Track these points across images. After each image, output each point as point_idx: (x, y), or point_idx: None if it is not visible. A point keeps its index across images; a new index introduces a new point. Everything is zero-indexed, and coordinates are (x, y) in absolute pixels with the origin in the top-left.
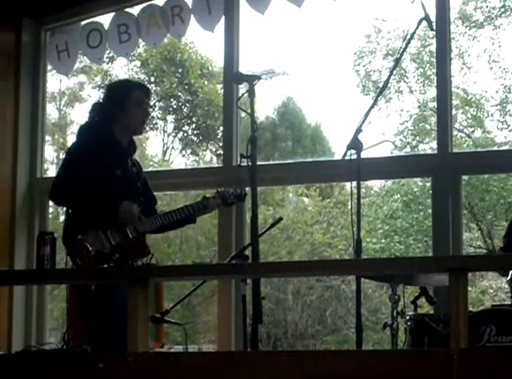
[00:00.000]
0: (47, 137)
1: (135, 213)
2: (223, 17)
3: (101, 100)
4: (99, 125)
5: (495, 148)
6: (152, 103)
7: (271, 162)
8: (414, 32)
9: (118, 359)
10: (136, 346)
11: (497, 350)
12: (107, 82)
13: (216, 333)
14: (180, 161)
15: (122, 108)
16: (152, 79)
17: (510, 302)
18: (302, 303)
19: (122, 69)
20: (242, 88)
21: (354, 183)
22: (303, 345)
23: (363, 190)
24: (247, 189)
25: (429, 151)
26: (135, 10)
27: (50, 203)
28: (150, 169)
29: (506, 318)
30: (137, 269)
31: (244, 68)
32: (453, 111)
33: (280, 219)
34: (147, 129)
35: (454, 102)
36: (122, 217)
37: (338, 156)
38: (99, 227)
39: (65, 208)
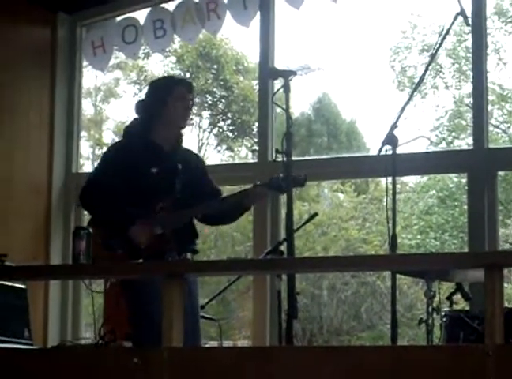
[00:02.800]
0: (83, 133)
1: (143, 239)
2: (258, 13)
3: (144, 98)
4: (140, 124)
5: None
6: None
7: (306, 157)
8: (450, 28)
9: (154, 355)
10: (171, 341)
11: None
12: (142, 78)
13: (251, 329)
14: (215, 157)
15: (164, 103)
16: (188, 75)
17: None
18: (337, 299)
19: (157, 64)
20: (278, 84)
21: (389, 179)
22: (338, 341)
23: (398, 186)
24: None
25: (465, 147)
26: (170, 6)
27: None
28: None
29: None
30: (172, 264)
31: (279, 64)
32: (489, 107)
33: (316, 214)
34: (191, 123)
35: (490, 97)
36: (133, 239)
37: (373, 152)
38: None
39: None
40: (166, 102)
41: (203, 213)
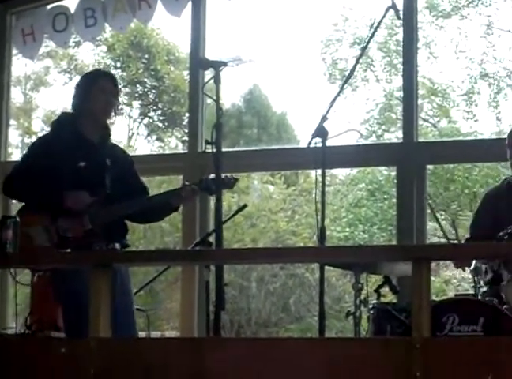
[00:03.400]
0: (12, 121)
1: (82, 201)
2: (190, 3)
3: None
4: (67, 117)
5: (461, 138)
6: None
7: (236, 149)
8: (381, 21)
9: (81, 345)
10: (98, 331)
11: (459, 340)
12: (72, 67)
13: (179, 320)
14: (145, 147)
15: (89, 96)
16: (118, 64)
17: (473, 292)
18: (265, 291)
19: (88, 53)
20: (209, 75)
21: (319, 171)
22: (266, 333)
23: (328, 178)
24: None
25: (394, 141)
26: None
27: None
28: None
29: (469, 308)
30: (100, 254)
31: (210, 54)
32: (419, 101)
33: (245, 206)
34: (114, 117)
35: (420, 91)
36: (69, 204)
37: (303, 144)
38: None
39: None
40: (90, 95)
41: (132, 210)
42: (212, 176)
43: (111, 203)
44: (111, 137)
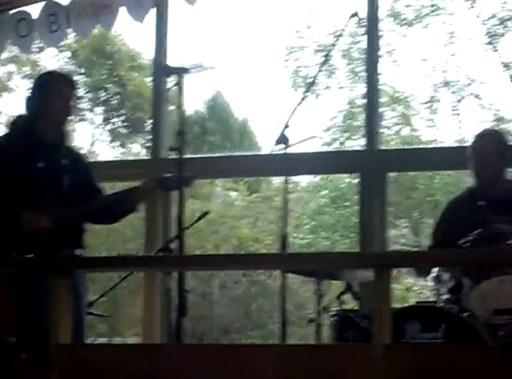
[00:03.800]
0: None
1: (39, 224)
2: (153, 9)
3: (29, 93)
4: (23, 120)
5: (422, 146)
6: (80, 94)
7: (199, 155)
8: (344, 29)
9: (42, 351)
10: (58, 337)
11: (420, 347)
12: (36, 72)
13: (140, 326)
14: (108, 153)
15: (46, 99)
16: (82, 70)
17: (434, 300)
18: (227, 297)
19: (51, 59)
20: (172, 81)
21: (281, 178)
22: (228, 339)
23: (290, 185)
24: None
25: (357, 148)
26: (65, 0)
27: None
28: None
29: (430, 315)
30: (60, 260)
31: (174, 61)
32: (382, 109)
33: (207, 212)
34: (72, 121)
35: (383, 99)
36: (26, 225)
37: (266, 151)
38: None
39: None
40: (47, 97)
41: (90, 211)
42: (169, 174)
43: (69, 204)
44: (67, 140)
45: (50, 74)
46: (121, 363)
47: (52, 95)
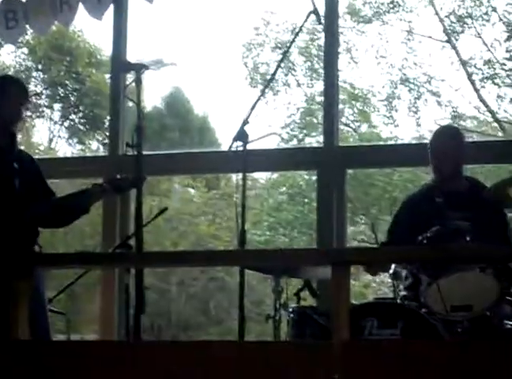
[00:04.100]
0: None
1: None
2: (112, 5)
3: None
4: None
5: (381, 143)
6: (39, 91)
7: (157, 152)
8: (302, 26)
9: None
10: (17, 333)
11: (378, 343)
12: None
13: (98, 323)
14: (66, 150)
15: None
16: (40, 66)
17: (392, 296)
18: (185, 294)
19: (9, 55)
20: (130, 78)
21: (240, 175)
22: (187, 336)
23: (249, 182)
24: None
25: (315, 145)
26: None
27: None
28: (35, 157)
29: (388, 311)
30: (19, 257)
31: (132, 57)
32: (340, 106)
33: (165, 209)
34: (28, 120)
35: (341, 96)
36: None
37: (225, 148)
38: None
39: None
40: None
41: (42, 213)
42: (119, 176)
43: (21, 207)
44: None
45: (3, 78)
46: (79, 360)
47: (4, 102)
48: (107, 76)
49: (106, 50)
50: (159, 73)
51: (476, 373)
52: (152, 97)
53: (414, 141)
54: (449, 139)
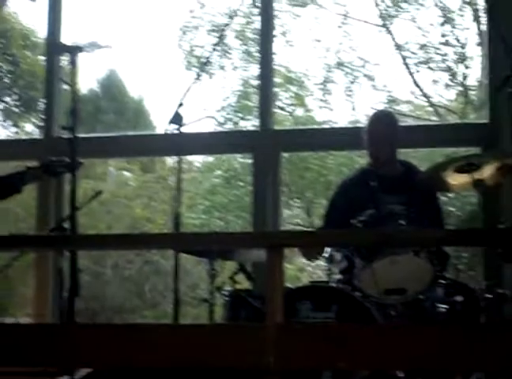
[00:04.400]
0: None
1: None
2: None
3: None
4: None
5: (316, 127)
6: None
7: (93, 134)
8: (238, 9)
9: None
10: None
11: (312, 326)
12: None
13: (32, 306)
14: (1, 132)
15: None
16: None
17: (327, 280)
18: (120, 277)
19: None
20: (65, 60)
21: (175, 158)
22: (122, 319)
23: (184, 165)
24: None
25: (251, 128)
26: None
27: None
28: None
29: (322, 295)
30: None
31: (67, 39)
32: (275, 89)
33: (100, 192)
34: None
35: (277, 80)
36: None
37: (160, 131)
38: None
39: None
40: None
41: None
42: (54, 158)
43: None
44: None
45: None
46: (12, 343)
47: None
48: (42, 58)
49: (41, 33)
50: (94, 55)
51: (409, 356)
52: (88, 80)
53: (349, 125)
54: (384, 124)
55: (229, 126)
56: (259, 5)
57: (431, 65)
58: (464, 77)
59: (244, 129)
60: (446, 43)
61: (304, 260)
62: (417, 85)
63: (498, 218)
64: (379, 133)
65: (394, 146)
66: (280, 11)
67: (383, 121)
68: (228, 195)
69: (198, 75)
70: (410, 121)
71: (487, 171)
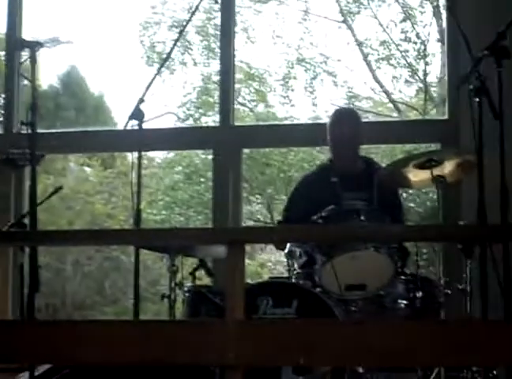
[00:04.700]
0: None
1: None
2: None
3: None
4: None
5: (277, 123)
6: None
7: (53, 130)
8: (199, 4)
9: None
10: None
11: (272, 322)
12: None
13: None
14: None
15: None
16: None
17: (287, 275)
18: (81, 273)
19: None
20: (25, 56)
21: (136, 154)
22: (82, 315)
23: (144, 161)
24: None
25: (212, 124)
26: None
27: None
28: None
29: (283, 291)
30: None
31: (27, 35)
32: (237, 85)
33: (60, 188)
34: None
35: (238, 76)
36: None
37: (121, 127)
38: None
39: None
40: None
41: None
42: (15, 151)
43: None
44: None
45: None
46: None
47: None
48: (2, 53)
49: (0, 28)
50: (54, 51)
51: (369, 352)
52: (48, 75)
53: (310, 121)
54: (348, 127)
55: (190, 122)
56: (220, 0)
57: (392, 61)
58: (425, 74)
59: (205, 125)
60: (407, 40)
61: (265, 256)
62: (378, 81)
63: (458, 214)
64: (339, 130)
65: (356, 143)
66: (241, 7)
67: (346, 122)
68: (189, 191)
69: (159, 71)
70: (370, 118)
71: (448, 167)
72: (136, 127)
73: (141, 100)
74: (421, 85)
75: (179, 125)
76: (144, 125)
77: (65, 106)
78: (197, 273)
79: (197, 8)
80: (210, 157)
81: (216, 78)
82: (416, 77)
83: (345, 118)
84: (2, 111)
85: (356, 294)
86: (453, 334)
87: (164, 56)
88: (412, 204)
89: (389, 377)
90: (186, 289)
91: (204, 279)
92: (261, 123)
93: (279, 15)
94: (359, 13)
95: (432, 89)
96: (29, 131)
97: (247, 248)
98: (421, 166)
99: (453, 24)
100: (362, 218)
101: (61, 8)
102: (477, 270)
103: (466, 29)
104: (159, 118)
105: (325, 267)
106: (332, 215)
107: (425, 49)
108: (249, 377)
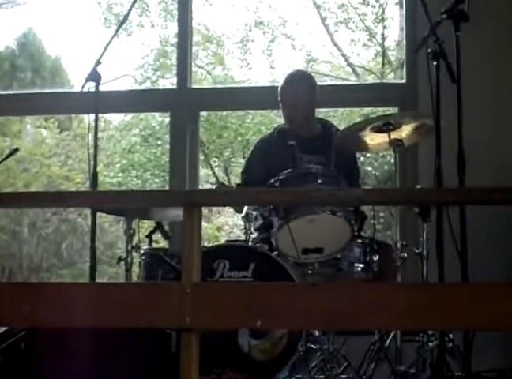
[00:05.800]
0: None
1: None
2: None
3: None
4: None
5: (234, 86)
6: None
7: (9, 92)
8: None
9: None
10: None
11: (229, 285)
12: None
13: None
14: None
15: None
16: None
17: (244, 239)
18: (37, 236)
19: None
20: None
21: (92, 116)
22: (38, 278)
23: (101, 124)
24: None
25: (169, 87)
26: None
27: None
28: None
29: (239, 254)
30: None
31: None
32: (194, 48)
33: (16, 150)
34: None
35: (195, 38)
36: None
37: (77, 89)
38: None
39: None
40: None
41: None
42: None
43: None
44: None
45: None
46: None
47: None
48: None
49: None
50: (11, 12)
51: (325, 314)
52: (5, 37)
53: (267, 84)
54: (300, 84)
55: (147, 85)
56: None
57: (350, 24)
58: (383, 38)
59: (162, 87)
60: (365, 3)
61: (222, 219)
62: (336, 45)
63: (415, 178)
64: (294, 93)
65: (311, 106)
66: None
67: (298, 85)
68: (146, 154)
69: (116, 32)
70: (328, 81)
71: (405, 131)
72: (93, 89)
73: (98, 62)
74: (379, 49)
75: (136, 87)
76: (102, 88)
77: (22, 68)
78: (154, 236)
79: None
80: (167, 120)
81: (174, 40)
82: (374, 41)
83: (296, 80)
84: None
85: (313, 257)
86: (409, 297)
87: (122, 18)
88: (369, 168)
89: (345, 340)
90: (142, 252)
91: (160, 242)
92: (218, 86)
93: None
94: None
95: (390, 53)
96: None
97: (204, 211)
98: (378, 130)
99: None
100: (319, 181)
101: None
102: (434, 233)
103: None
104: (116, 81)
105: (281, 230)
106: (289, 179)
107: (383, 12)
108: (205, 340)
